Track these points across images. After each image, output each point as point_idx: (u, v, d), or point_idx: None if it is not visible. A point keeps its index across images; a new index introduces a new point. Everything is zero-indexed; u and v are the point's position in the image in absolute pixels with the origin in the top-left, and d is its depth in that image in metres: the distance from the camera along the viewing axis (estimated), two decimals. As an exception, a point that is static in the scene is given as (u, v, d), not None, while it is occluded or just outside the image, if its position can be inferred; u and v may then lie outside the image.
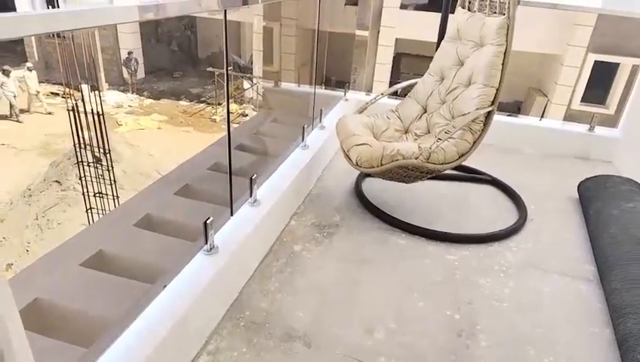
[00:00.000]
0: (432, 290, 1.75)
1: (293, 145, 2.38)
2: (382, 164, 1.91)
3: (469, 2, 2.32)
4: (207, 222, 1.51)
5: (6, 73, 11.30)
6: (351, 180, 2.51)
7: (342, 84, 3.36)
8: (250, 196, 1.84)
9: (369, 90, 3.67)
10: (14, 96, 11.37)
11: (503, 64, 2.02)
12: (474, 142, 2.02)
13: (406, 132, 2.33)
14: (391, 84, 8.82)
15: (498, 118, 2.08)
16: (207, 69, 12.50)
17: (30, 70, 11.80)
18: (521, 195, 2.43)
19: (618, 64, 8.37)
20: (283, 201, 2.00)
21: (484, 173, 2.66)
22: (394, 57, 9.52)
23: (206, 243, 1.54)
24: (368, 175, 2.48)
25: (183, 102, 13.22)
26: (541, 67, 9.13)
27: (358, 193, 2.36)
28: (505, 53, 2.02)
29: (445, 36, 2.42)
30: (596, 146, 3.06)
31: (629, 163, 2.84)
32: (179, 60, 15.34)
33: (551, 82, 8.91)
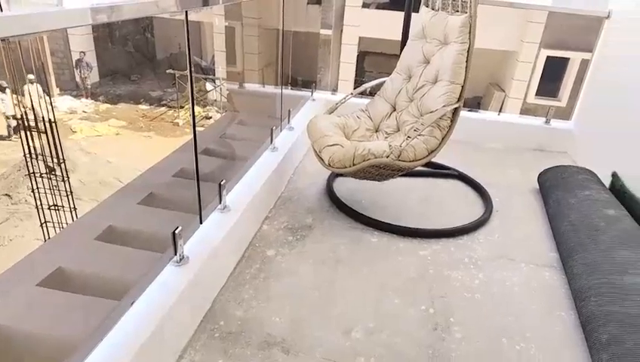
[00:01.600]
0: (407, 287, 1.77)
1: (261, 147, 2.34)
2: (354, 164, 1.91)
3: (432, 1, 2.35)
4: (176, 231, 1.46)
5: (2, 89, 10.15)
6: (322, 181, 2.50)
7: (308, 83, 3.34)
8: (220, 202, 1.79)
9: (334, 90, 3.67)
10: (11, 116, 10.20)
11: (467, 61, 2.06)
12: (442, 139, 2.06)
13: (376, 131, 2.34)
14: (356, 82, 8.89)
15: (461, 113, 2.13)
16: (167, 71, 12.13)
17: (32, 83, 10.58)
18: (486, 188, 2.50)
19: (568, 59, 8.81)
20: (254, 206, 1.96)
21: (451, 168, 2.72)
22: (358, 56, 9.60)
23: (175, 253, 1.48)
24: (339, 175, 2.47)
25: (143, 106, 12.76)
26: (498, 63, 9.46)
27: (330, 193, 2.35)
28: (468, 51, 2.06)
29: (410, 35, 2.45)
30: (552, 138, 3.19)
31: (582, 153, 2.98)
32: (136, 62, 14.79)
33: (507, 77, 9.26)
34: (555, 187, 2.40)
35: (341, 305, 1.65)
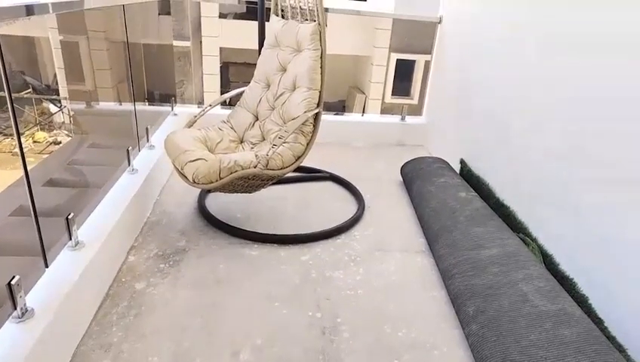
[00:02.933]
0: (292, 295, 1.75)
1: (118, 170, 2.11)
2: (221, 178, 1.83)
3: (282, 10, 2.39)
4: (13, 282, 1.22)
5: None
6: (192, 200, 2.35)
7: (168, 97, 3.14)
8: (70, 239, 1.56)
9: (200, 102, 3.52)
10: None
11: (321, 67, 2.14)
12: (307, 144, 2.10)
13: (241, 142, 2.28)
14: (222, 93, 8.68)
15: (326, 117, 2.21)
16: (-4, 95, 10.35)
17: None
18: (356, 186, 2.63)
19: (414, 61, 9.88)
20: (114, 237, 1.75)
21: (322, 171, 2.80)
22: (221, 67, 9.42)
23: (15, 308, 1.24)
24: (210, 191, 2.36)
25: (-35, 138, 10.70)
26: (356, 68, 10.18)
27: (203, 211, 2.23)
28: (322, 57, 2.14)
29: (265, 43, 2.45)
30: (409, 133, 3.52)
31: (435, 144, 3.34)
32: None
33: (366, 81, 10.01)
34: (416, 177, 2.62)
35: (226, 327, 1.56)
